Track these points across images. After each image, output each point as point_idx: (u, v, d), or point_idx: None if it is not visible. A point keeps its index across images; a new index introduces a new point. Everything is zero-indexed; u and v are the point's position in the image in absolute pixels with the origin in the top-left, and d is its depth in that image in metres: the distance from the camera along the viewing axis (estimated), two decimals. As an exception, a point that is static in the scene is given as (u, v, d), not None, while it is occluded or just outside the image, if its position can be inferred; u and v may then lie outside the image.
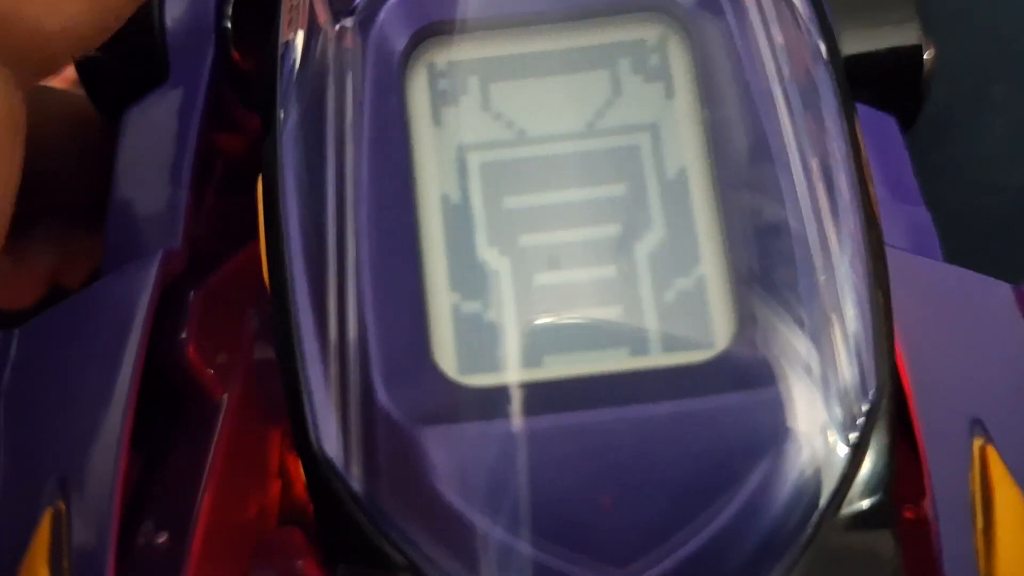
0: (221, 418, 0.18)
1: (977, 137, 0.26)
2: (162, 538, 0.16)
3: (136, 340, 0.16)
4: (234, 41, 0.21)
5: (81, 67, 0.22)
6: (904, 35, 0.20)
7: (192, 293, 0.18)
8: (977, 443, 0.15)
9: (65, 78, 0.27)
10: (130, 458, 0.16)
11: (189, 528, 0.16)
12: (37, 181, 0.19)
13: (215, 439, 0.17)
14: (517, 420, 0.14)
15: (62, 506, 0.15)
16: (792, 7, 0.16)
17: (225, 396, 0.18)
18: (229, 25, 0.21)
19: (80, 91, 0.22)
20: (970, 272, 0.16)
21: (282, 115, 0.15)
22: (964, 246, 0.25)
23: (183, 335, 0.17)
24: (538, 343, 0.15)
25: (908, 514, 0.15)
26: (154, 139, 0.20)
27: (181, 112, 0.20)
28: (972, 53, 0.26)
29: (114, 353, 0.16)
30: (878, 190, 0.18)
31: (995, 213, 0.25)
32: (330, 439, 0.14)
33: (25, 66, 0.17)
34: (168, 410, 0.18)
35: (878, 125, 0.19)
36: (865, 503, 0.14)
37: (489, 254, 0.15)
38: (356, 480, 0.14)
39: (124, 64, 0.21)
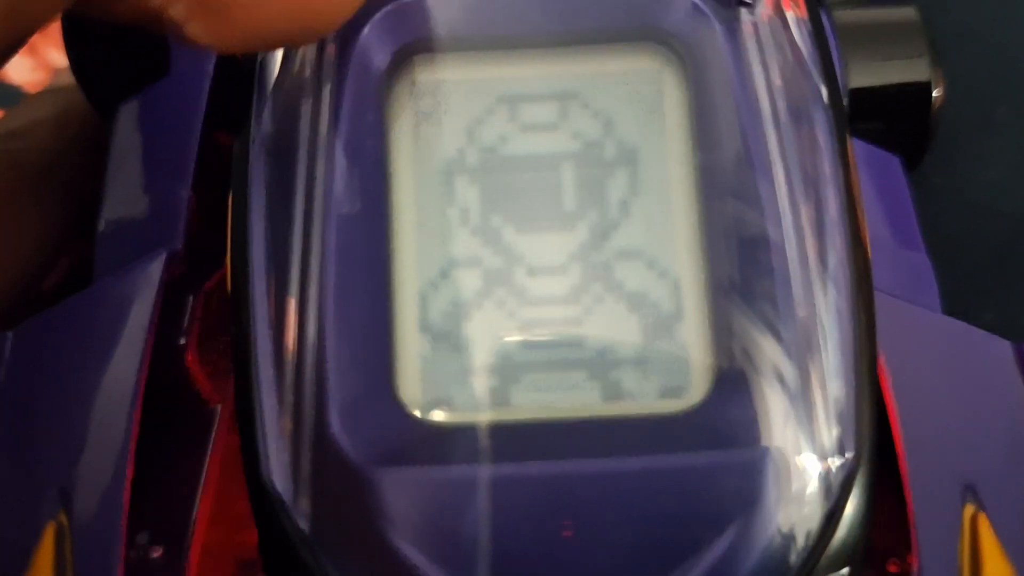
0: (216, 428, 0.17)
1: (981, 160, 0.25)
2: (157, 553, 0.16)
3: (140, 346, 0.16)
4: None
5: (77, 61, 0.21)
6: (914, 71, 0.20)
7: (191, 297, 0.17)
8: (968, 510, 0.15)
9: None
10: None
11: (184, 543, 0.16)
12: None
13: (210, 450, 0.17)
14: (479, 466, 0.14)
15: (64, 520, 0.15)
16: (792, 43, 0.15)
17: (219, 406, 0.17)
18: None
19: (70, 83, 0.21)
20: (970, 327, 0.16)
21: (255, 127, 0.15)
22: (964, 271, 0.25)
23: (182, 341, 0.17)
24: (508, 382, 0.14)
25: (894, 568, 0.15)
26: (154, 135, 0.20)
27: (183, 108, 0.19)
28: (977, 74, 0.26)
29: (117, 358, 0.16)
30: (879, 232, 0.18)
31: (996, 239, 0.25)
32: (279, 471, 0.14)
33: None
34: (160, 418, 0.18)
35: (883, 165, 0.19)
36: (842, 573, 0.14)
37: (464, 285, 0.15)
38: (303, 517, 0.14)
39: (123, 58, 0.20)
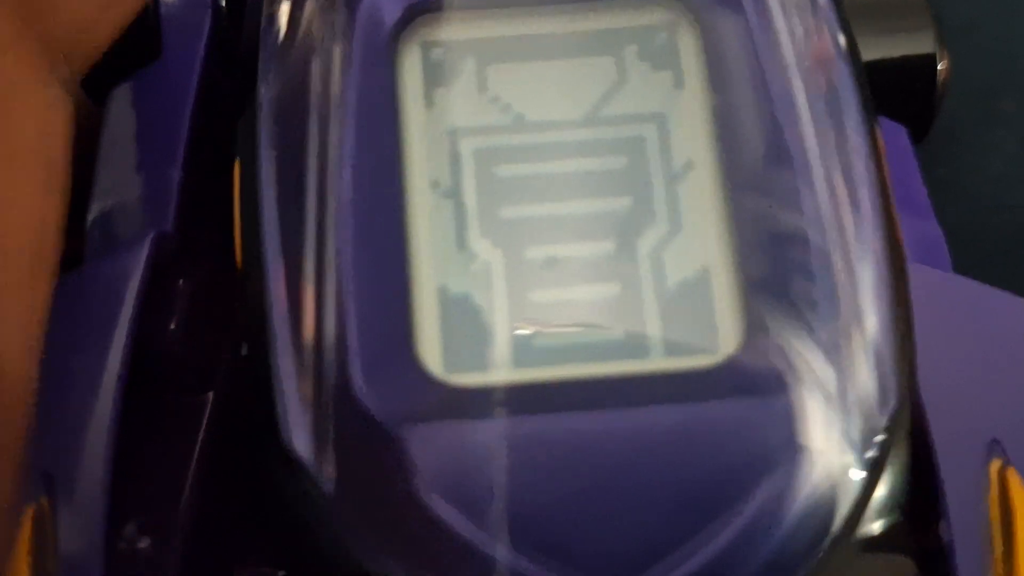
0: (206, 418, 0.17)
1: (986, 154, 0.25)
2: (144, 543, 0.16)
3: (125, 328, 0.15)
4: (228, 19, 0.20)
5: None
6: (918, 43, 0.20)
7: (182, 282, 0.17)
8: (995, 465, 0.14)
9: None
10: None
11: (173, 535, 0.15)
12: None
13: (199, 440, 0.16)
14: (505, 421, 0.13)
15: (46, 504, 0.15)
16: (813, 1, 0.15)
17: (210, 394, 0.17)
18: (223, 2, 0.20)
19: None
20: (985, 286, 0.16)
21: (263, 90, 0.15)
22: (968, 264, 0.24)
23: (172, 326, 0.17)
24: (530, 341, 0.14)
25: (922, 537, 0.15)
26: (145, 117, 0.19)
27: (175, 90, 0.19)
28: (981, 68, 0.26)
29: (101, 341, 0.15)
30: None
31: (1002, 232, 0.25)
32: (300, 435, 0.13)
33: (74, 57, 0.15)
34: (147, 405, 0.17)
35: (889, 135, 0.19)
36: (881, 525, 0.13)
37: (481, 245, 0.14)
38: (327, 481, 0.13)
39: (115, 41, 0.20)
